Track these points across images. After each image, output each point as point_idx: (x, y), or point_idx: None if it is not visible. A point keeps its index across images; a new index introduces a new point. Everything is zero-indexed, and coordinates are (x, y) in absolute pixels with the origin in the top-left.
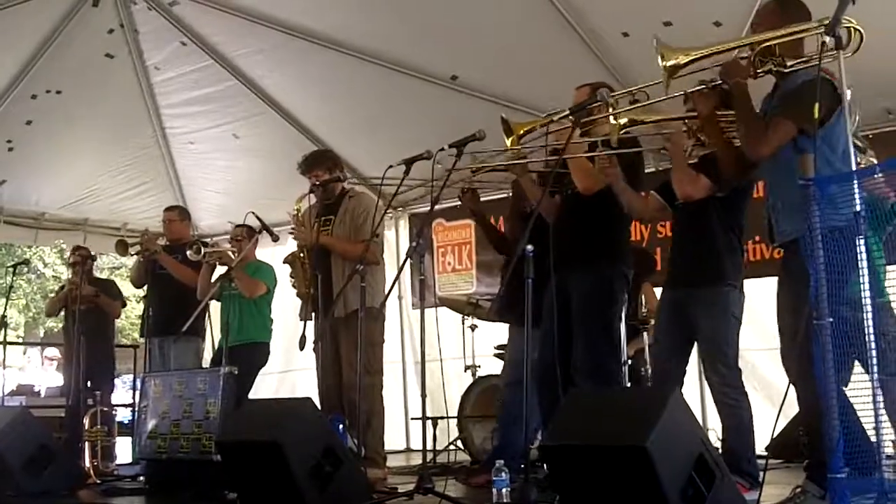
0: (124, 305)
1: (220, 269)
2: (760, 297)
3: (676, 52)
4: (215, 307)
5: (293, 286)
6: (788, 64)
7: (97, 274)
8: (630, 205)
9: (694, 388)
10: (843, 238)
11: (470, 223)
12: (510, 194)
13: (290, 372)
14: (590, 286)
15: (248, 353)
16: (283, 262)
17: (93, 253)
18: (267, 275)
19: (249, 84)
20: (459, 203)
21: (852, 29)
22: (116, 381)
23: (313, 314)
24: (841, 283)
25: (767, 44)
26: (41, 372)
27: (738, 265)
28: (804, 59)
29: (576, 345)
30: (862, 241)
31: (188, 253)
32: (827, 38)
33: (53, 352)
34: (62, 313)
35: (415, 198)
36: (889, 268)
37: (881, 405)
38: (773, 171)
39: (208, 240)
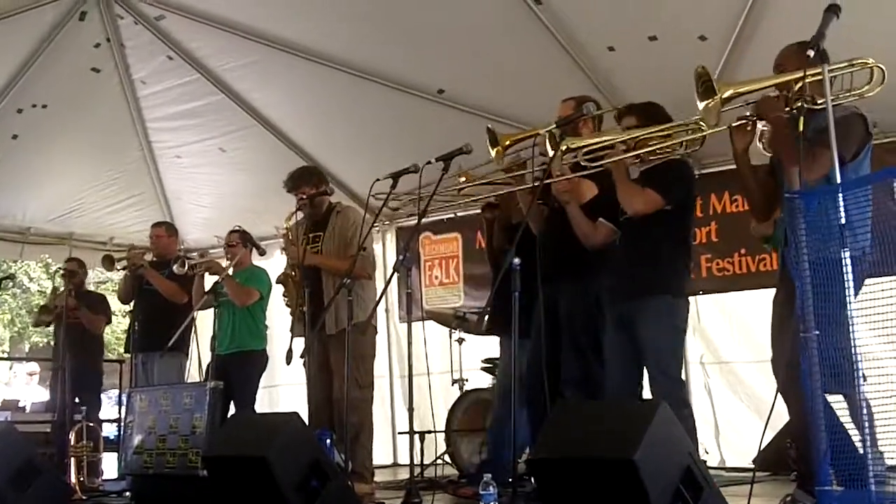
0: (109, 322)
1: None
2: (748, 310)
3: (730, 85)
4: (202, 321)
5: (287, 305)
6: (819, 101)
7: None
8: (580, 230)
9: None
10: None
11: (457, 236)
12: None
13: (275, 387)
14: (578, 299)
15: (243, 361)
16: (276, 282)
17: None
18: (260, 281)
19: (236, 98)
20: (446, 217)
21: (874, 67)
22: (102, 395)
23: (305, 330)
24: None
25: (802, 83)
26: (26, 387)
27: (682, 276)
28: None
29: (565, 357)
30: (847, 254)
31: (174, 267)
32: (810, 52)
33: (33, 367)
34: (51, 327)
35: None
36: (872, 280)
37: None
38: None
39: (194, 254)
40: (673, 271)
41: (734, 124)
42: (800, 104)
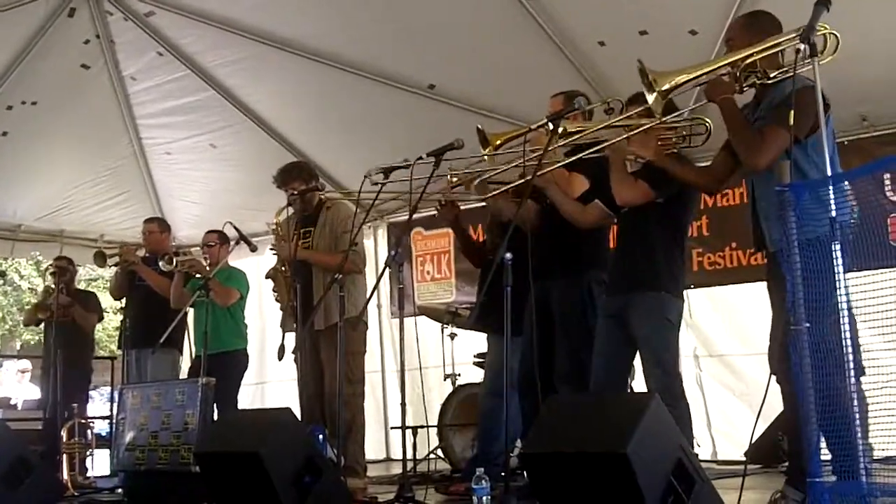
0: (100, 319)
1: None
2: (739, 303)
3: (668, 76)
4: (193, 318)
5: (276, 300)
6: (771, 75)
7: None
8: (568, 214)
9: None
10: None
11: (449, 232)
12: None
13: (265, 384)
14: (570, 293)
15: (225, 361)
16: (266, 277)
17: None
18: (239, 281)
19: (226, 94)
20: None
21: (827, 34)
22: (93, 392)
23: (295, 325)
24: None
25: (750, 59)
26: (18, 385)
27: (677, 272)
28: (784, 69)
29: (557, 351)
30: (838, 247)
31: (161, 263)
32: (802, 46)
33: (25, 364)
34: (42, 325)
35: (394, 209)
36: (850, 275)
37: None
38: (766, 180)
39: (184, 250)
40: (666, 267)
41: (629, 136)
42: (752, 81)
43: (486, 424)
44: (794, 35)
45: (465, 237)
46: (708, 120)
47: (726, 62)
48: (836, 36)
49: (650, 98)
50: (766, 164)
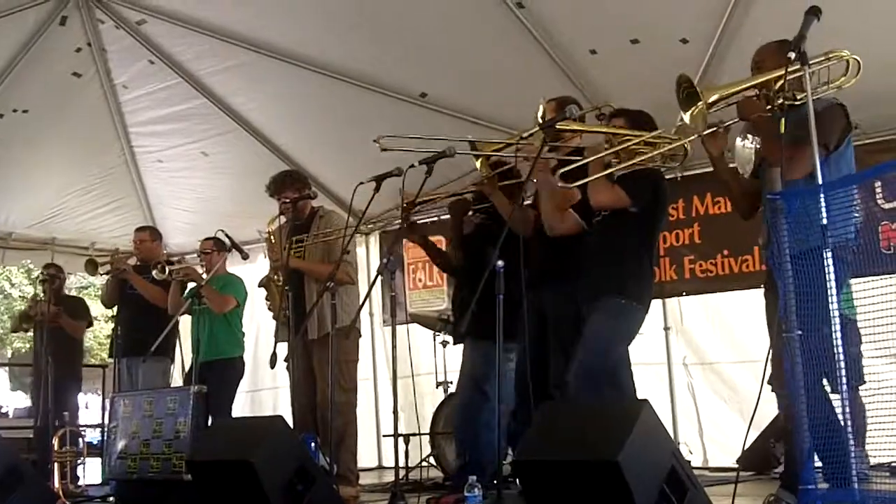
0: (90, 326)
1: (191, 284)
2: (731, 310)
3: (713, 89)
4: (185, 326)
5: (269, 309)
6: (798, 97)
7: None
8: (546, 216)
9: (665, 401)
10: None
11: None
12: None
13: (259, 391)
14: (564, 301)
15: (221, 369)
16: (259, 286)
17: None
18: (236, 288)
19: (218, 102)
20: (430, 220)
21: (850, 59)
22: (85, 399)
23: (288, 334)
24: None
25: (786, 80)
26: (9, 392)
27: (644, 284)
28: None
29: (552, 360)
30: (829, 255)
31: (153, 272)
32: (792, 55)
33: None
34: (31, 333)
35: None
36: (854, 280)
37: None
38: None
39: (176, 258)
40: (631, 275)
41: (705, 132)
42: (781, 102)
43: (463, 436)
44: (823, 59)
45: (433, 249)
46: (688, 144)
47: (762, 80)
48: (857, 60)
49: (686, 116)
50: (801, 175)
